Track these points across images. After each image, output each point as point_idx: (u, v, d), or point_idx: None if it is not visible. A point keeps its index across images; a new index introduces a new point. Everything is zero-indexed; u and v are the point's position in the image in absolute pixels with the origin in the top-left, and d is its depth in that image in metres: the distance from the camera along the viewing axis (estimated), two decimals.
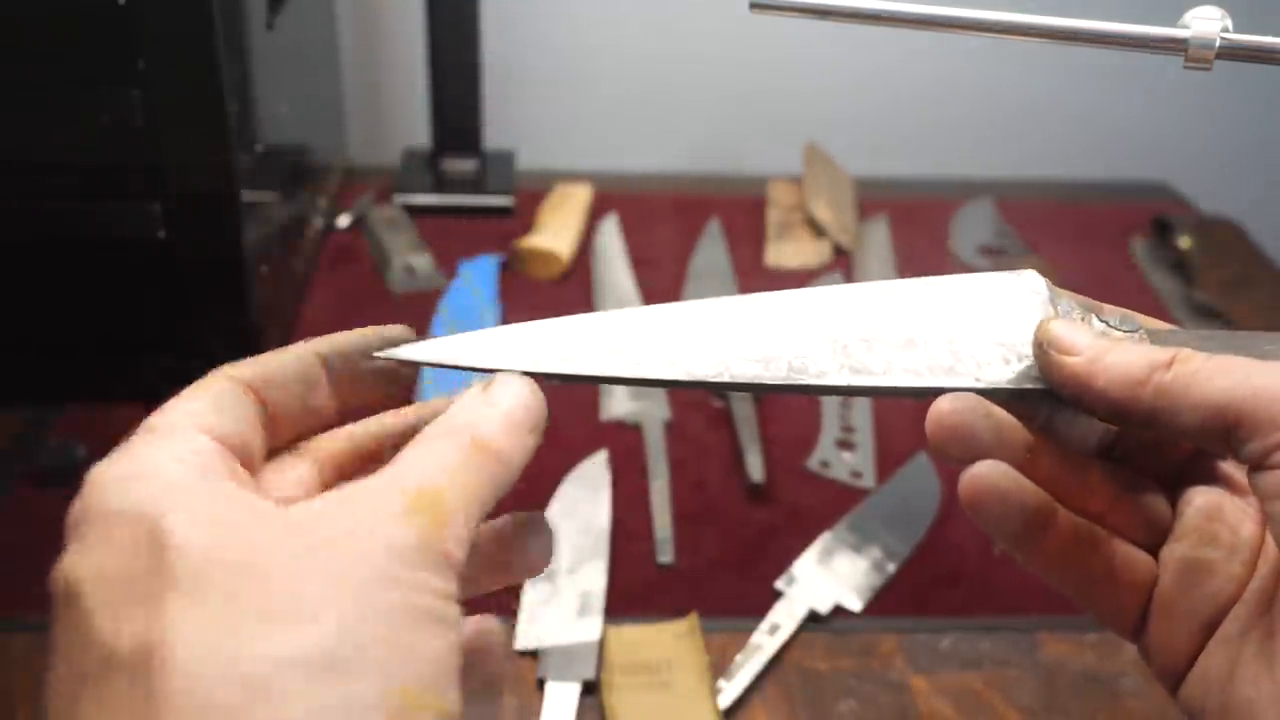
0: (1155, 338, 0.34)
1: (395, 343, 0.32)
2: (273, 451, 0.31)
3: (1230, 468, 0.34)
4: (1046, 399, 0.34)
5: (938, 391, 0.33)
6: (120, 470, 0.27)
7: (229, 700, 0.22)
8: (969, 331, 0.35)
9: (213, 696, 0.23)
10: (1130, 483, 0.34)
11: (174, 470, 0.26)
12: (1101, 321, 0.34)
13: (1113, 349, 0.32)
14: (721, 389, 0.34)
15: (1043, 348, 0.33)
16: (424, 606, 0.25)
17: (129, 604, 0.24)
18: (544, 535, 0.34)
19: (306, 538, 0.25)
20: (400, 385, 0.33)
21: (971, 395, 0.32)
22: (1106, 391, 0.32)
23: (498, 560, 0.34)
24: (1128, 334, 0.34)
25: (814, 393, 0.35)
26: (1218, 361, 0.31)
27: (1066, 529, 0.33)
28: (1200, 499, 0.34)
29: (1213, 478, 0.34)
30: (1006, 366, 0.34)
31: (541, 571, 0.35)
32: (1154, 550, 0.34)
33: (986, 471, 0.31)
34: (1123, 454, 0.35)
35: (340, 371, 0.32)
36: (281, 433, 0.31)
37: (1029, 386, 0.34)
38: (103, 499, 0.26)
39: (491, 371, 0.31)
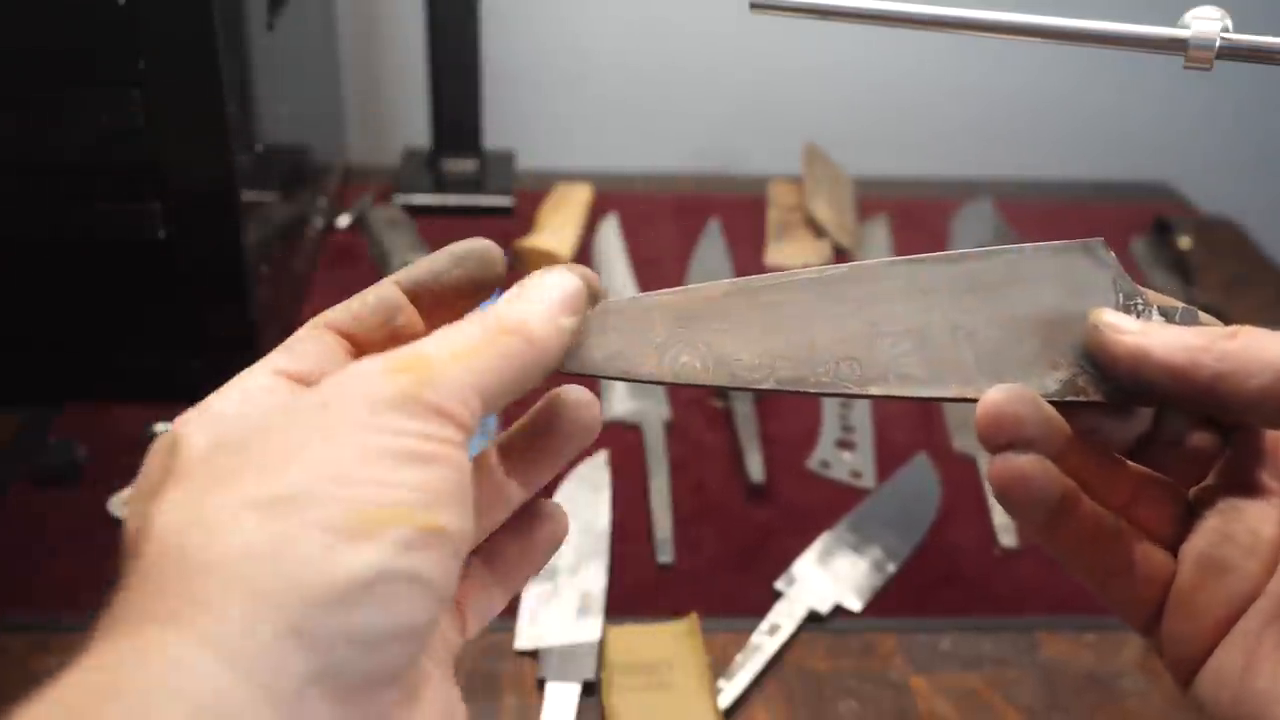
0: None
1: (468, 258, 0.34)
2: None
3: (1255, 474, 0.34)
4: (1092, 409, 0.34)
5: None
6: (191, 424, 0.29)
7: (187, 542, 0.25)
8: (1022, 325, 0.34)
9: (170, 543, 0.25)
10: (1155, 481, 0.35)
11: (217, 405, 0.29)
12: (1162, 314, 0.34)
13: (1169, 327, 0.33)
14: (762, 393, 0.34)
15: (1097, 329, 0.34)
16: (403, 446, 0.26)
17: (141, 504, 0.27)
18: (554, 521, 0.37)
19: (301, 405, 0.27)
20: (483, 293, 0.34)
21: (1023, 387, 0.32)
22: (1167, 359, 0.32)
23: (506, 550, 0.36)
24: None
25: (853, 397, 0.35)
26: None
27: (1089, 518, 0.33)
28: (1221, 500, 0.34)
29: (1237, 484, 0.34)
30: (1055, 372, 0.34)
31: (544, 564, 0.36)
32: (1174, 549, 0.35)
33: (1016, 458, 0.32)
34: (1150, 460, 0.36)
35: (421, 293, 0.34)
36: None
37: (1075, 399, 0.34)
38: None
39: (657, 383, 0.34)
